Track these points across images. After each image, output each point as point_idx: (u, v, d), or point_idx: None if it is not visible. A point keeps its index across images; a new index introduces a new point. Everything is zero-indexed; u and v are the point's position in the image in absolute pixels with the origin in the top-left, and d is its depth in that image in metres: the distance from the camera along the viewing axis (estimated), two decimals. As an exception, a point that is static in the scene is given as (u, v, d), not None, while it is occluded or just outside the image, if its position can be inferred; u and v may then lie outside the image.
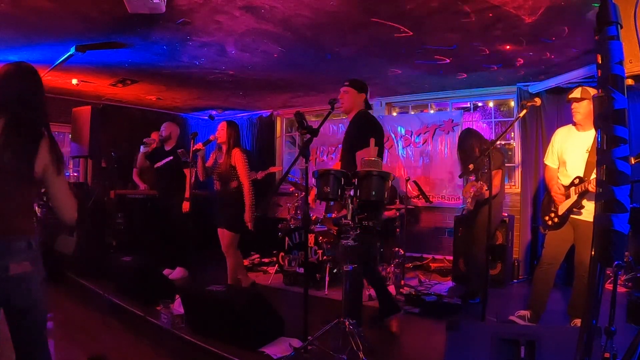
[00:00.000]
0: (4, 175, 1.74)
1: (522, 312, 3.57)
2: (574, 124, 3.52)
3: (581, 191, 3.31)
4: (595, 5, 2.86)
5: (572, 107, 3.41)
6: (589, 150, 3.35)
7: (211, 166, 4.46)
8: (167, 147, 5.30)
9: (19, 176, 1.77)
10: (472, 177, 4.37)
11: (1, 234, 1.73)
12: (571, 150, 3.49)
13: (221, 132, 4.31)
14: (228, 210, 4.26)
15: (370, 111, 3.66)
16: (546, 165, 3.72)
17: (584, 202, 3.33)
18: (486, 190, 3.83)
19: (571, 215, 3.42)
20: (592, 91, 3.34)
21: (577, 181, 3.36)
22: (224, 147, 4.34)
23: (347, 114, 3.63)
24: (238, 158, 4.22)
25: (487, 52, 4.45)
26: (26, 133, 1.81)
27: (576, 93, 3.36)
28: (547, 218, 3.56)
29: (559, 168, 3.59)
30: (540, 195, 5.08)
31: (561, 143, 3.58)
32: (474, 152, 4.18)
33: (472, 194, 4.27)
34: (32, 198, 1.88)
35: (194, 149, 4.29)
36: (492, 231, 4.54)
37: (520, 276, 5.40)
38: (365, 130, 3.36)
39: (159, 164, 5.26)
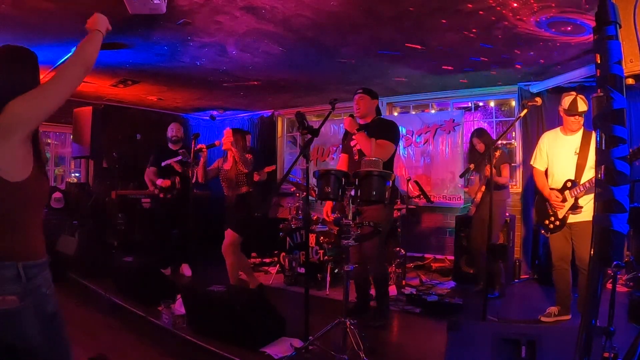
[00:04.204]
0: None
1: (550, 309, 3.69)
2: (562, 128, 3.66)
3: (577, 194, 3.46)
4: None
5: (575, 118, 3.46)
6: (577, 152, 3.50)
7: (214, 169, 4.55)
8: (174, 147, 5.41)
9: None
10: (473, 177, 4.57)
11: None
12: (559, 154, 3.63)
13: (226, 140, 4.34)
14: (237, 214, 4.37)
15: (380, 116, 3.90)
16: (534, 167, 3.83)
17: (580, 201, 3.48)
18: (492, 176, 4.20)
19: (569, 216, 3.54)
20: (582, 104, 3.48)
21: (569, 184, 3.52)
22: (229, 154, 4.42)
23: (362, 118, 3.76)
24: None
25: (488, 52, 4.44)
26: None
27: (581, 105, 3.41)
28: (547, 222, 3.67)
29: (546, 171, 3.74)
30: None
31: (549, 147, 3.72)
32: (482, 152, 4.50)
33: (477, 183, 4.59)
34: (22, 214, 1.49)
35: (196, 149, 4.39)
36: (496, 232, 4.60)
37: (522, 276, 5.39)
38: (387, 129, 3.65)
39: (164, 163, 5.29)
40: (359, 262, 3.75)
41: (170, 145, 5.50)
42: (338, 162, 4.02)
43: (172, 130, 5.49)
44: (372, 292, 4.47)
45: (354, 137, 3.65)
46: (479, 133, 4.73)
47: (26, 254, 1.49)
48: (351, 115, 3.69)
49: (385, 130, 3.64)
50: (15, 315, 1.44)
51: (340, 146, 7.23)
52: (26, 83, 1.57)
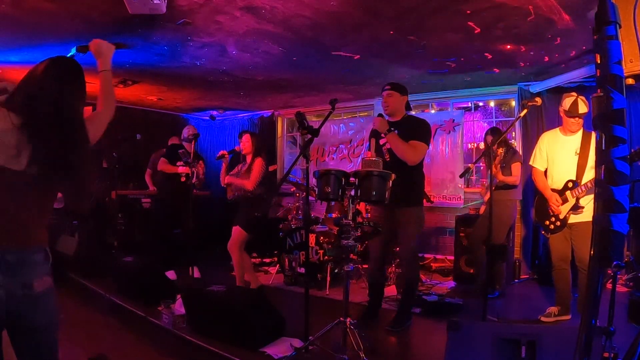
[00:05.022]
0: (25, 181, 1.57)
1: (550, 309, 3.69)
2: (562, 128, 3.65)
3: (579, 194, 3.46)
4: None
5: (575, 120, 3.46)
6: (578, 152, 3.50)
7: (235, 174, 4.60)
8: (189, 146, 5.33)
9: (41, 181, 1.60)
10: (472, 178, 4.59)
11: (22, 246, 1.55)
12: (560, 154, 3.63)
13: (246, 144, 4.53)
14: (247, 211, 4.43)
15: (412, 112, 3.82)
16: (534, 168, 3.82)
17: (581, 202, 3.49)
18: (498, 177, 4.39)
19: (570, 216, 3.54)
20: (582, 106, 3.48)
21: (570, 184, 3.52)
22: (249, 157, 4.54)
23: (391, 116, 3.66)
24: (257, 164, 4.44)
25: (488, 52, 4.45)
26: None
27: (582, 107, 3.40)
28: (547, 222, 3.66)
29: (546, 171, 3.74)
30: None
31: (549, 147, 3.72)
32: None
33: (486, 185, 4.64)
34: (50, 203, 1.70)
35: (219, 155, 4.60)
36: (501, 232, 4.58)
37: (522, 276, 5.40)
38: (419, 129, 3.54)
39: (179, 163, 5.25)
40: (378, 262, 3.73)
41: (186, 145, 5.43)
42: None
43: (189, 130, 5.43)
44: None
45: (385, 137, 3.54)
46: (492, 132, 4.71)
47: (47, 239, 1.68)
48: (380, 115, 3.60)
49: (417, 130, 3.53)
50: (50, 294, 1.62)
51: (341, 146, 7.30)
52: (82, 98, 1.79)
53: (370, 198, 2.92)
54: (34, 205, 1.62)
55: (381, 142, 3.63)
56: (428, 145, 3.56)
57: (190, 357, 3.26)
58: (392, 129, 3.49)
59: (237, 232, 4.40)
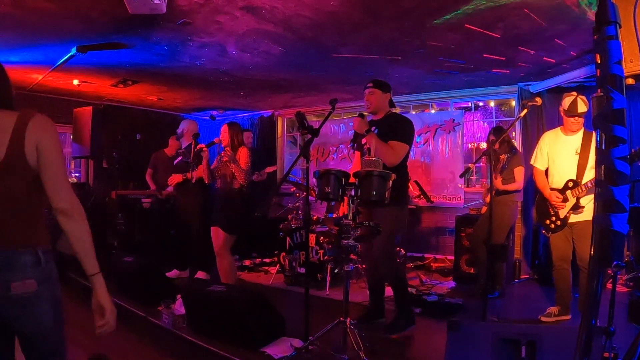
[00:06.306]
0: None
1: (550, 309, 3.69)
2: (563, 128, 3.66)
3: (579, 194, 3.47)
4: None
5: (575, 119, 3.46)
6: (578, 152, 3.51)
7: (215, 168, 4.38)
8: (183, 145, 5.26)
9: (15, 174, 1.51)
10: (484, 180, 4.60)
11: (6, 246, 1.48)
12: (560, 154, 3.63)
13: (224, 135, 4.24)
14: (228, 211, 4.16)
15: (395, 109, 3.76)
16: (534, 167, 3.82)
17: (581, 201, 3.49)
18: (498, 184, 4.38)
19: (571, 216, 3.54)
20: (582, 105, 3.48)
21: (571, 184, 3.52)
22: (228, 149, 4.25)
23: (374, 115, 3.62)
24: (243, 155, 4.14)
25: (488, 52, 4.45)
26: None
27: (581, 106, 3.40)
28: (548, 222, 3.66)
29: (547, 171, 3.74)
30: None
31: (549, 146, 3.72)
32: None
33: (487, 187, 4.62)
34: (36, 200, 1.61)
35: (197, 149, 4.30)
36: (501, 232, 4.57)
37: (522, 276, 5.40)
38: (400, 129, 3.47)
39: (176, 161, 5.19)
40: (369, 264, 3.71)
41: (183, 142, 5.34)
42: (353, 161, 3.95)
43: (189, 126, 5.26)
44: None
45: (364, 139, 3.48)
46: (495, 131, 4.64)
47: (45, 240, 1.59)
48: (360, 115, 3.53)
49: (398, 130, 3.45)
50: (36, 301, 1.52)
51: (341, 146, 7.31)
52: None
53: (370, 198, 2.91)
54: (17, 201, 1.54)
55: (363, 141, 3.55)
56: (409, 145, 3.46)
57: (190, 357, 3.26)
58: (372, 129, 3.43)
59: (219, 234, 4.11)
